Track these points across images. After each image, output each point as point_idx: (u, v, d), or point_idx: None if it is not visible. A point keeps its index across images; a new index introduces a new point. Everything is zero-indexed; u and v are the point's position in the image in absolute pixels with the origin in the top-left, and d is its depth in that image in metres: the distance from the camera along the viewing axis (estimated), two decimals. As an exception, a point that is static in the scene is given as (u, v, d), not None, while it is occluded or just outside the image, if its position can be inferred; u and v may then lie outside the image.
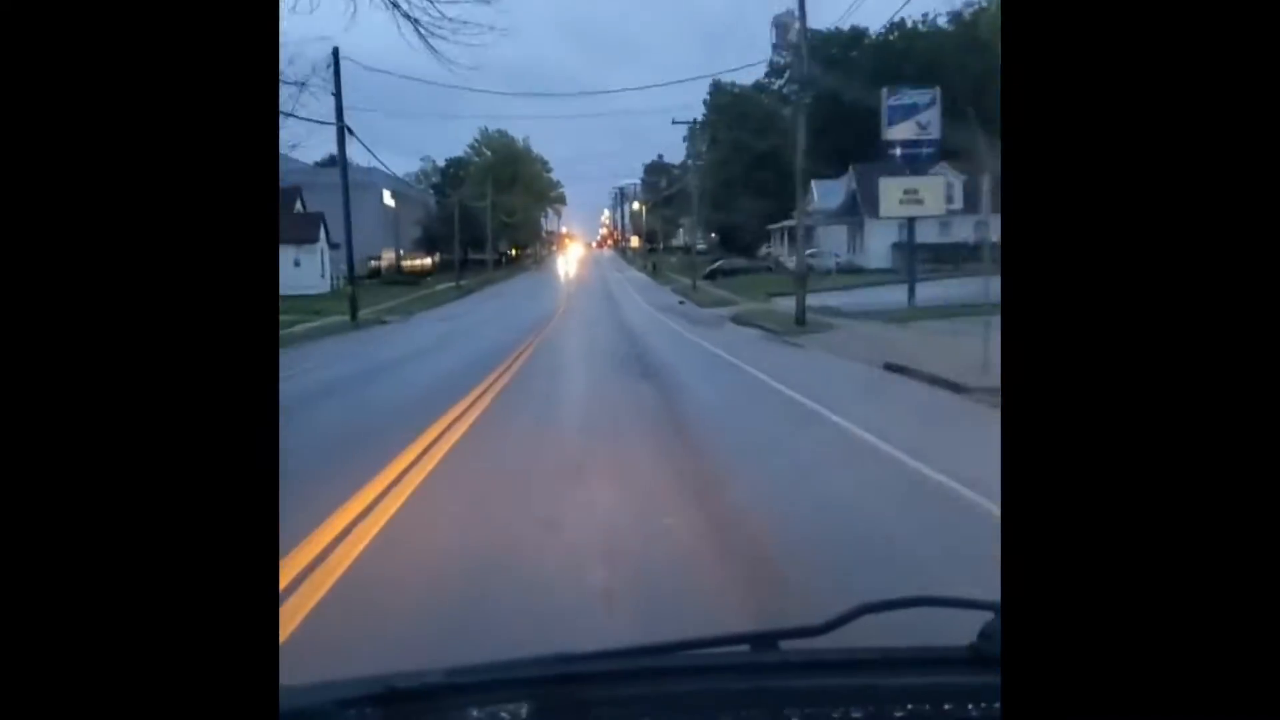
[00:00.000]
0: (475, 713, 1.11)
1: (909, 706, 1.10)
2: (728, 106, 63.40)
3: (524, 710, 1.11)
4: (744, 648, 1.26)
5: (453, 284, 49.44)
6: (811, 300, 21.79)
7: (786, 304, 23.71)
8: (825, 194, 48.12)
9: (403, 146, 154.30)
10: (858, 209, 42.92)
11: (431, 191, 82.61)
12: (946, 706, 1.11)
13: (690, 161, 76.45)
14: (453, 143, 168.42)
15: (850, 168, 44.51)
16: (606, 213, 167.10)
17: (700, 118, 64.26)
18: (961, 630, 1.18)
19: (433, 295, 42.52)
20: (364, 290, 33.89)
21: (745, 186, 55.21)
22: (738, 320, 24.46)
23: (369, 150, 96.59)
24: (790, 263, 29.34)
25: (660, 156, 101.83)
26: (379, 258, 56.03)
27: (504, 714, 1.11)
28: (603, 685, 1.17)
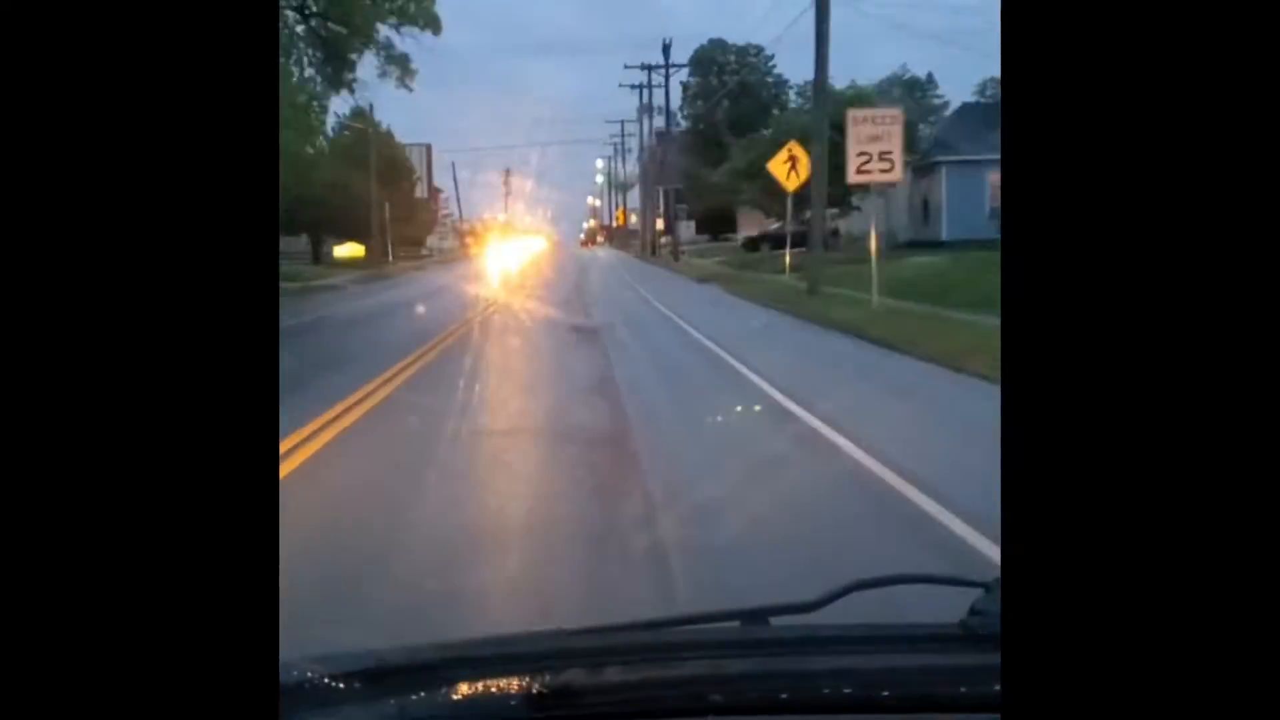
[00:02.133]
0: (465, 688, 1.13)
1: (900, 686, 1.11)
2: None
3: (513, 688, 1.12)
4: (735, 624, 1.28)
5: None
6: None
7: None
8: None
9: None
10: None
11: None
12: (938, 682, 1.12)
13: None
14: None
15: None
16: (601, 171, 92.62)
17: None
18: (953, 605, 1.20)
19: None
20: None
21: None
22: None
23: None
24: None
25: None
26: None
27: (494, 690, 1.12)
28: (593, 665, 1.19)
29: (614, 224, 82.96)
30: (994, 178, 28.73)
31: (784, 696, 1.10)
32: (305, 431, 6.83)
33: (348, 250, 43.50)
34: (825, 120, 19.02)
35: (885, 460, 5.73)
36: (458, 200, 75.41)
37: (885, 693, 1.09)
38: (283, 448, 6.01)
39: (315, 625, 2.40)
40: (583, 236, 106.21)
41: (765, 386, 8.83)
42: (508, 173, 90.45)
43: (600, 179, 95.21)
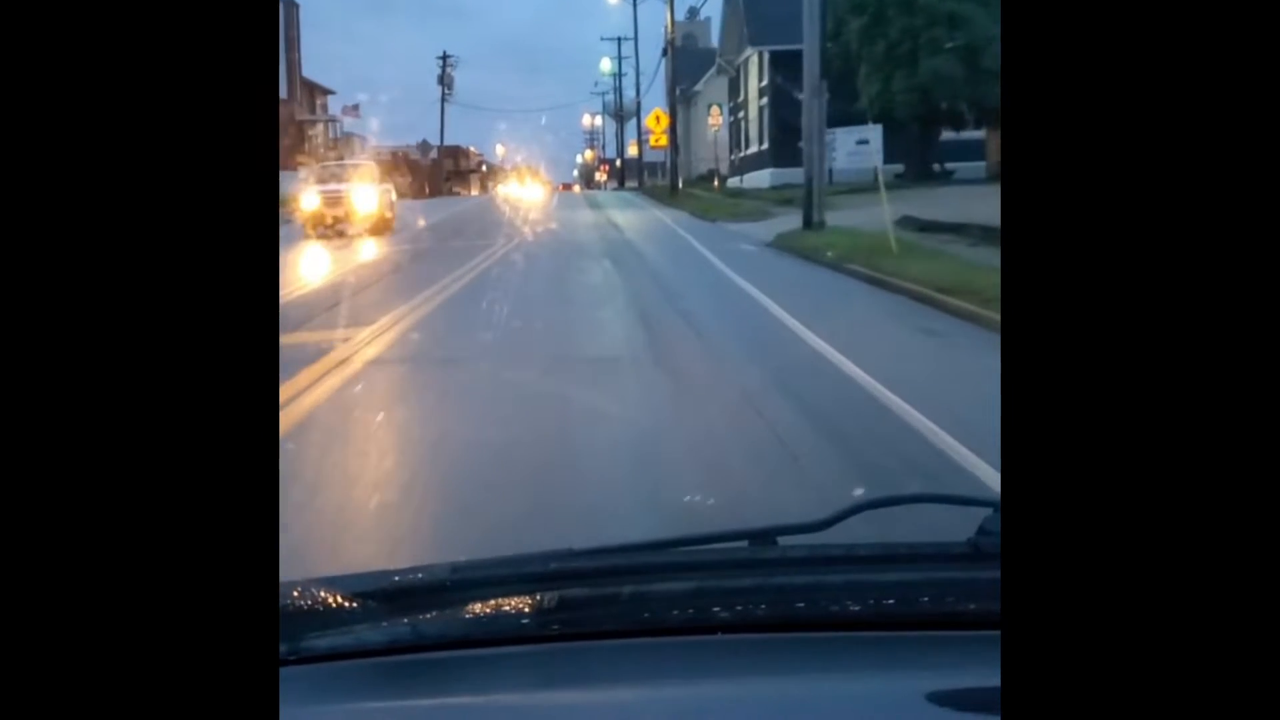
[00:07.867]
0: (477, 607, 1.14)
1: (910, 603, 1.14)
2: None
3: (524, 606, 1.13)
4: (743, 544, 1.29)
5: None
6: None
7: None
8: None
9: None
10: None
11: None
12: (947, 599, 1.13)
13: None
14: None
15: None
16: (609, 67, 63.06)
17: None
18: (961, 526, 1.17)
19: None
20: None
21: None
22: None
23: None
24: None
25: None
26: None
27: (505, 608, 1.14)
28: (603, 583, 1.21)
29: (628, 151, 60.90)
30: None
31: (792, 614, 1.12)
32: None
33: None
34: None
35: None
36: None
37: (894, 609, 1.11)
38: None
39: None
40: (575, 175, 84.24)
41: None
42: (445, 59, 57.09)
43: (609, 63, 61.52)
